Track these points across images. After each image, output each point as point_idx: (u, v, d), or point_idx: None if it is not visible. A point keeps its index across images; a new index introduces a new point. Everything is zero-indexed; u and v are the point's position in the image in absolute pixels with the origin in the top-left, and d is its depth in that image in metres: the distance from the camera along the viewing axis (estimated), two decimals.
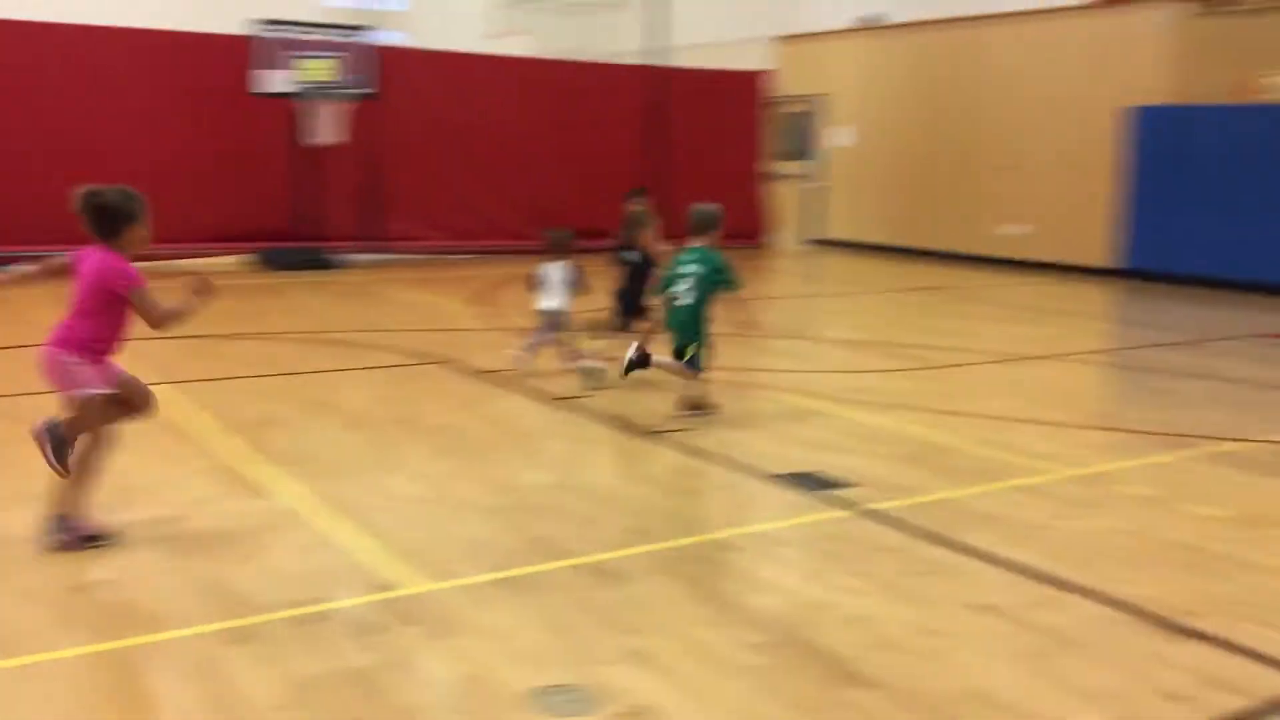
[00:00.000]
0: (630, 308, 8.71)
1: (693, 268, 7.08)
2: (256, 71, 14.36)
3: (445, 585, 4.35)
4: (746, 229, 19.03)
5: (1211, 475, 6.11)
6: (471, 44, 18.53)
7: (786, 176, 20.70)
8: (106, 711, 3.43)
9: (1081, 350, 10.18)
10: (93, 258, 4.59)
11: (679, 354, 7.10)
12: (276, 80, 14.45)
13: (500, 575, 4.45)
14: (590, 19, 21.96)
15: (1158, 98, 15.04)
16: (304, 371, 8.43)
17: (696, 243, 7.22)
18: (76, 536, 4.60)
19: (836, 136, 19.95)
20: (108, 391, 4.62)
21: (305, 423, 6.87)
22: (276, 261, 14.89)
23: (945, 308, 12.88)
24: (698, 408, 7.06)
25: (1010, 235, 16.81)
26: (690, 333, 7.05)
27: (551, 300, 8.25)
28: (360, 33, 15.41)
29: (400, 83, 15.94)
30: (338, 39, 15.05)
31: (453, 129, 16.47)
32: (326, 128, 14.68)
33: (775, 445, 6.57)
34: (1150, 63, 15.13)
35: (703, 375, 7.10)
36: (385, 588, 4.31)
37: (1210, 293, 13.69)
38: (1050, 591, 4.41)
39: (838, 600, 4.29)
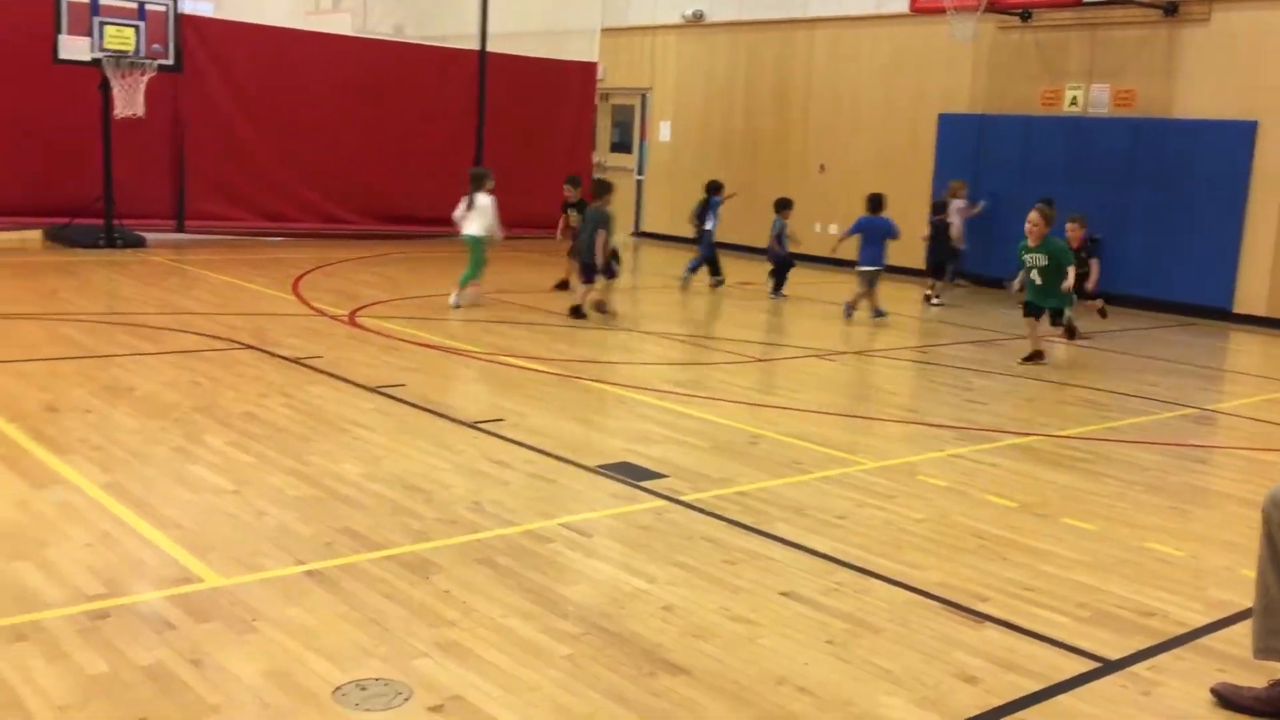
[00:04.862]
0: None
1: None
2: (60, 37, 13.44)
3: (247, 579, 4.18)
4: None
5: (1003, 467, 6.42)
6: (285, 18, 17.89)
7: (613, 169, 20.80)
8: None
9: (891, 346, 10.57)
10: None
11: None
12: (79, 47, 13.56)
13: (306, 568, 4.31)
14: (415, 1, 21.50)
15: (964, 105, 15.77)
16: (96, 355, 7.98)
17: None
18: None
19: (658, 131, 20.17)
20: None
21: (96, 409, 6.49)
22: (70, 239, 14.05)
23: (760, 303, 13.17)
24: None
25: (826, 234, 17.33)
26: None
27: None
28: (162, 1, 14.62)
29: (205, 55, 15.27)
30: (137, 6, 14.22)
31: (263, 106, 15.87)
32: (125, 99, 13.90)
33: (592, 436, 6.58)
34: (957, 71, 15.84)
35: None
36: (181, 582, 4.12)
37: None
38: (853, 578, 4.55)
39: (650, 589, 4.32)
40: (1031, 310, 9.90)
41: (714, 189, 14.04)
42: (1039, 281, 9.74)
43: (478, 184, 11.26)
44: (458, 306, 10.92)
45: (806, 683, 3.62)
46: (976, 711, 3.50)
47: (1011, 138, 15.25)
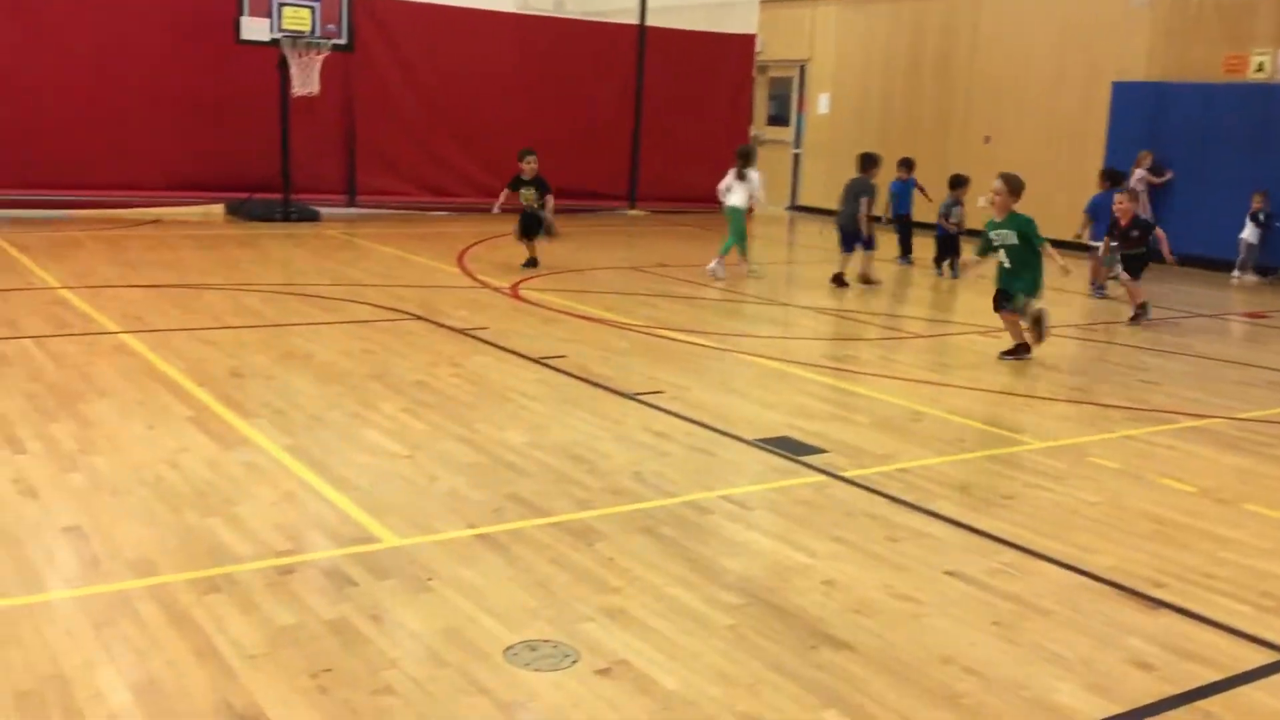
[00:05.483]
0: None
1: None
2: (242, 18, 14.04)
3: (421, 540, 4.35)
4: None
5: (1180, 450, 6.18)
6: None
7: (770, 141, 20.65)
8: (82, 655, 3.42)
9: (1058, 323, 10.22)
10: None
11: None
12: (259, 28, 14.15)
13: (476, 532, 4.45)
14: None
15: (1140, 74, 15.11)
16: (277, 324, 8.36)
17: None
18: None
19: (816, 103, 19.92)
20: None
21: (278, 375, 6.81)
22: (249, 212, 14.73)
23: (924, 278, 12.92)
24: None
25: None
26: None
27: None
28: None
29: (376, 34, 15.74)
30: None
31: (429, 83, 16.30)
32: (301, 78, 14.45)
33: (751, 410, 6.58)
34: (1133, 38, 15.17)
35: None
36: (360, 541, 4.31)
37: (1194, 271, 13.76)
38: (1020, 559, 4.46)
39: (811, 563, 4.32)
40: (1003, 302, 8.31)
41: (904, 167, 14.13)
42: (1008, 264, 8.28)
43: (747, 160, 11.78)
44: (716, 276, 11.39)
45: (973, 663, 3.57)
46: (1151, 699, 3.40)
47: (1191, 106, 14.55)
